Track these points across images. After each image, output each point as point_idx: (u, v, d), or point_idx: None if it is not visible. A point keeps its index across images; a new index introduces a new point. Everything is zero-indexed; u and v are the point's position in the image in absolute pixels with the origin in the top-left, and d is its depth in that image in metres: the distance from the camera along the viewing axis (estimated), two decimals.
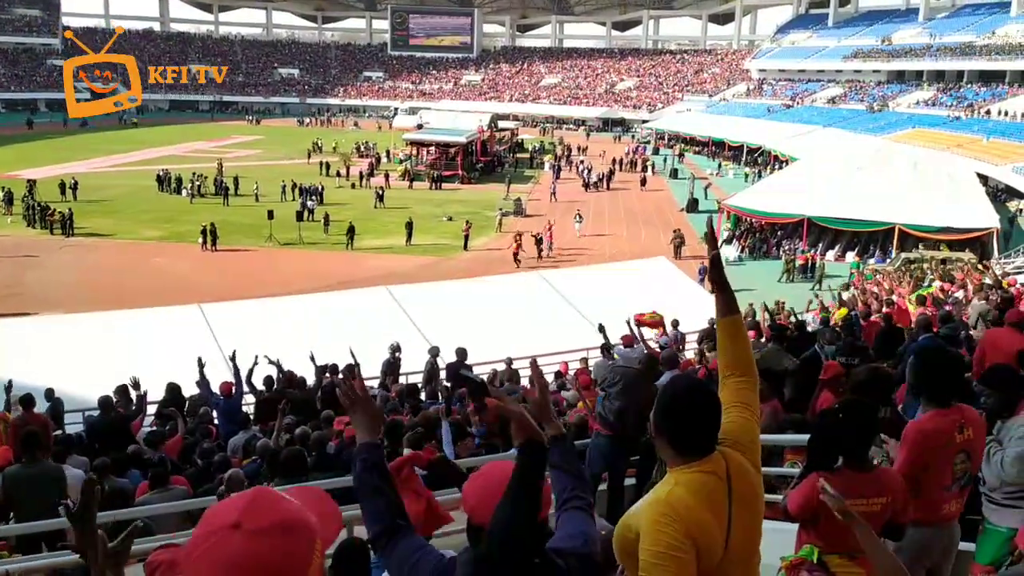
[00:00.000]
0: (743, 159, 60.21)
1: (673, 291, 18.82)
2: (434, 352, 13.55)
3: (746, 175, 53.87)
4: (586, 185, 49.83)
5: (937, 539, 4.04)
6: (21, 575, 5.32)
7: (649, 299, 17.53)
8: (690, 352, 15.22)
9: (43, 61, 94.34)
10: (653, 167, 56.91)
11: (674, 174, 55.09)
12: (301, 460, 6.72)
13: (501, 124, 64.64)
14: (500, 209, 39.21)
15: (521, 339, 14.58)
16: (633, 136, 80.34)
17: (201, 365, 10.88)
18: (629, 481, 7.13)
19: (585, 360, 13.65)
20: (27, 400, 9.40)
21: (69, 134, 67.51)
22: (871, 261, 30.25)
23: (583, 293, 17.80)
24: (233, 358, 11.15)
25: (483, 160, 55.43)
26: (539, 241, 31.87)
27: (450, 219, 38.73)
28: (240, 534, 1.28)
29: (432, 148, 52.88)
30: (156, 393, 11.57)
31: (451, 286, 21.05)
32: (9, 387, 10.09)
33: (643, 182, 51.29)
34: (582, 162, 56.17)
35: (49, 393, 11.08)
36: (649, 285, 18.99)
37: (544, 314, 16.97)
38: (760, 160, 57.90)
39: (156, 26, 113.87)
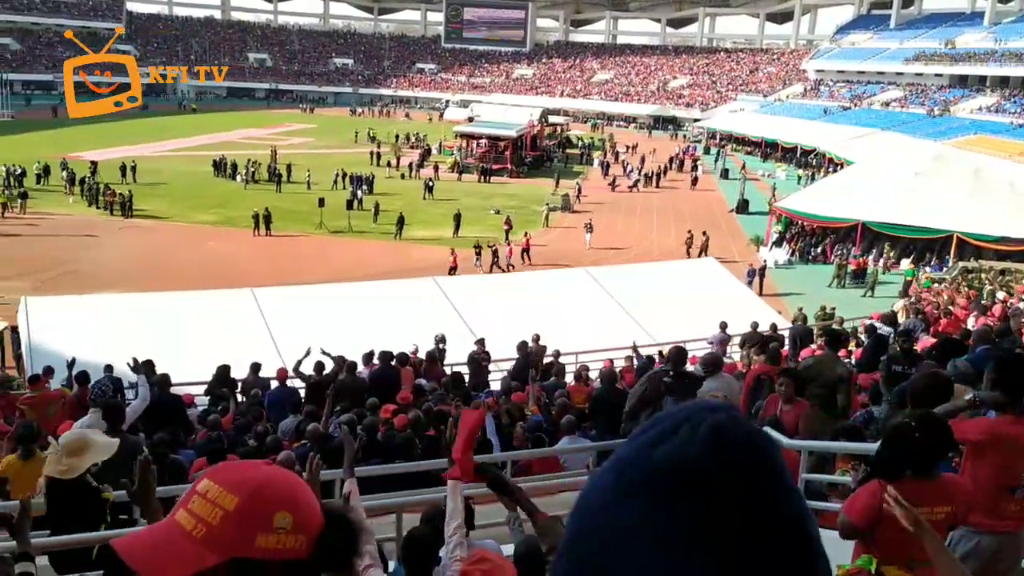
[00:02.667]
0: (796, 160, 59.35)
1: (720, 292, 18.66)
2: (480, 343, 13.63)
3: (799, 177, 53.06)
4: (612, 186, 48.45)
5: (1006, 549, 3.99)
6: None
7: (695, 299, 17.49)
8: (735, 355, 15.10)
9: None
10: (704, 166, 56.40)
11: (724, 174, 54.53)
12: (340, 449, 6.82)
13: (551, 119, 64.53)
14: (547, 204, 39.18)
15: (566, 334, 14.56)
16: (685, 135, 79.67)
17: (256, 369, 11.11)
18: None
19: (631, 358, 13.60)
20: (82, 377, 9.68)
21: (129, 117, 68.97)
22: (927, 269, 29.59)
23: (628, 291, 17.72)
24: (297, 369, 11.21)
25: (532, 154, 55.38)
26: (495, 253, 29.04)
27: (497, 212, 38.81)
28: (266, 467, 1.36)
29: (482, 141, 53.00)
30: (208, 373, 11.82)
31: (497, 279, 21.16)
32: (72, 364, 10.37)
33: (694, 182, 50.82)
34: (624, 161, 55.69)
35: (109, 368, 11.31)
36: (696, 285, 18.86)
37: (589, 310, 16.94)
38: (814, 162, 56.99)
39: (217, 14, 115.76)
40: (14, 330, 15.92)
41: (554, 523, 3.43)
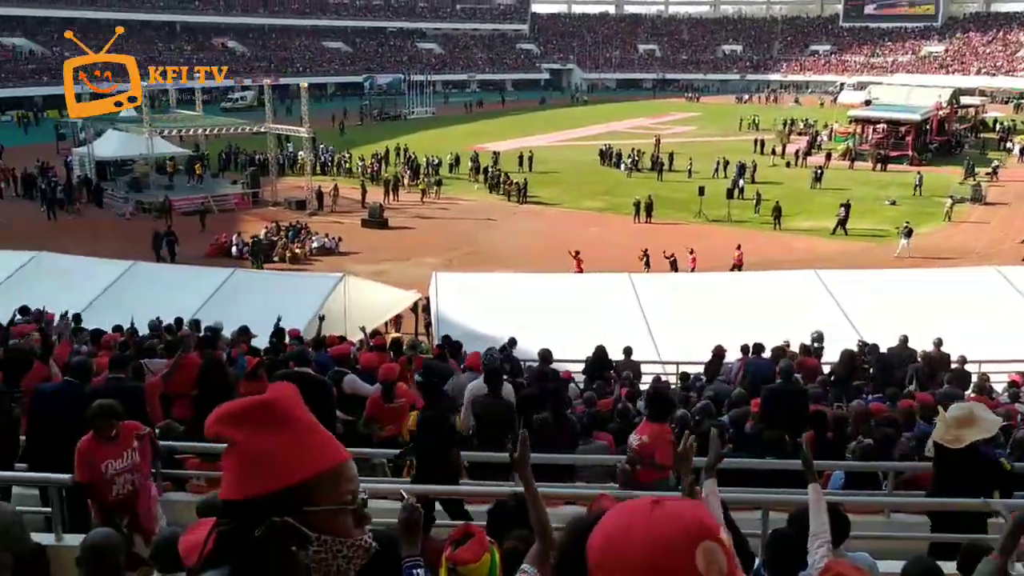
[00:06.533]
0: None
1: None
2: (861, 344, 12.69)
3: None
4: (971, 173, 40.98)
5: None
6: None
7: None
8: None
9: (513, 45, 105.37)
10: None
11: None
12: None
13: (964, 100, 57.57)
14: (952, 195, 35.04)
15: (974, 339, 12.94)
16: None
17: (628, 351, 11.58)
18: None
19: None
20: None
21: (528, 111, 75.03)
22: None
23: None
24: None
25: (938, 140, 50.00)
26: (673, 264, 25.42)
27: (893, 203, 35.80)
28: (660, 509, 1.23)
29: (880, 126, 49.00)
30: (583, 352, 12.43)
31: (891, 274, 19.45)
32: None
33: None
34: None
35: (512, 342, 12.48)
36: None
37: (998, 315, 14.88)
38: None
39: (612, 9, 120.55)
40: (427, 300, 18.12)
41: None
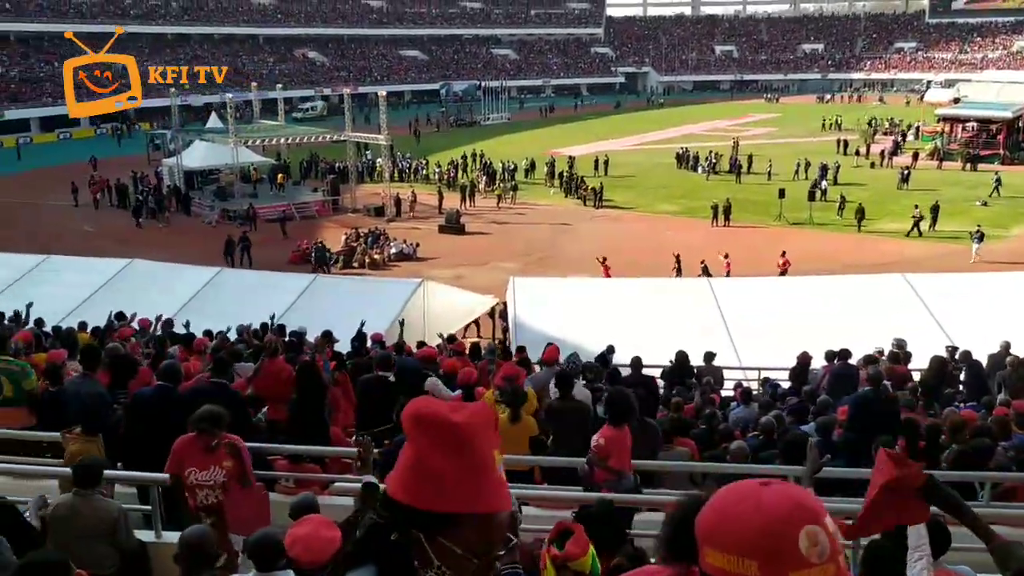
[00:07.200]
0: None
1: None
2: (951, 350, 12.25)
3: None
4: None
5: None
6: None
7: None
8: None
9: (588, 49, 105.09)
10: None
11: None
12: (801, 446, 6.62)
13: None
14: None
15: None
16: None
17: (709, 357, 11.40)
18: None
19: None
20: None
21: (603, 115, 74.75)
22: None
23: None
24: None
25: None
26: (705, 270, 24.04)
27: (984, 204, 34.50)
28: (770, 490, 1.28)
29: (969, 124, 47.20)
30: (662, 357, 12.30)
31: (979, 278, 18.71)
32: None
33: None
34: None
35: (611, 349, 12.41)
36: None
37: None
38: None
39: (688, 10, 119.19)
40: (504, 305, 18.20)
41: (1014, 547, 2.95)
